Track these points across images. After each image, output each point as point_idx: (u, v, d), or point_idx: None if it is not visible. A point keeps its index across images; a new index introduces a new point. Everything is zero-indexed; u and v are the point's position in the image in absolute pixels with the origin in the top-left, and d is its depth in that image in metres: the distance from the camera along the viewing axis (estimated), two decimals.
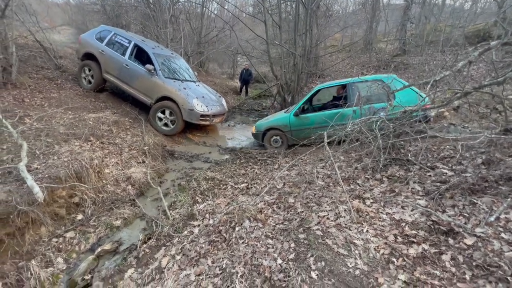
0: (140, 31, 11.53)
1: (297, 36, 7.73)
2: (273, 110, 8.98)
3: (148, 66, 5.53)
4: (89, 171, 3.12)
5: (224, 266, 2.10)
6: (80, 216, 2.85)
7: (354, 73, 10.43)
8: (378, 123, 2.71)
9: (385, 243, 1.79)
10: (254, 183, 3.52)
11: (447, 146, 3.16)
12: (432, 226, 1.89)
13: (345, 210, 2.27)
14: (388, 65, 10.18)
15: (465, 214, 1.94)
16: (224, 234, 2.53)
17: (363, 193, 2.56)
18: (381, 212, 2.18)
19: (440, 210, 2.07)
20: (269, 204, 2.80)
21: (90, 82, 6.14)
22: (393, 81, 3.95)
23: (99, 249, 2.56)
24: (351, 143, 3.01)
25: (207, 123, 5.77)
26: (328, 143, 3.10)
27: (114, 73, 5.87)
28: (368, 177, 2.85)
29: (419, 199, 2.27)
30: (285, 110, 5.71)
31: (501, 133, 2.78)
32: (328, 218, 2.21)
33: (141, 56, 6.09)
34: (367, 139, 2.78)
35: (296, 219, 2.34)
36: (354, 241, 1.86)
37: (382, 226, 1.99)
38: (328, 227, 2.09)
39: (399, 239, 1.81)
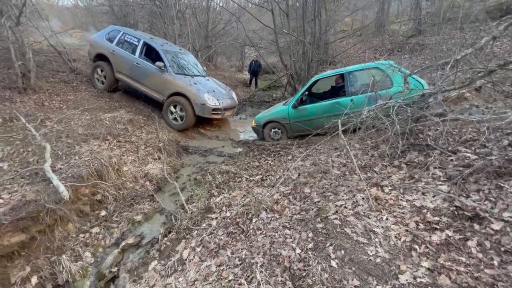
0: (147, 29, 11.63)
1: (305, 23, 7.54)
2: (283, 101, 8.89)
3: (159, 63, 5.58)
4: (109, 169, 3.23)
5: (243, 256, 2.14)
6: (103, 213, 2.98)
7: (367, 58, 10.08)
8: (395, 108, 2.61)
9: (406, 231, 1.75)
10: (268, 175, 3.53)
11: (470, 129, 3.01)
12: (455, 212, 1.83)
13: (363, 198, 2.23)
14: (402, 47, 9.75)
15: (491, 198, 1.86)
16: (242, 226, 2.56)
17: (381, 180, 2.50)
18: (401, 199, 2.13)
19: (464, 195, 2.00)
20: (284, 195, 2.80)
21: (103, 83, 6.29)
22: (391, 68, 3.90)
23: (123, 243, 2.68)
24: (366, 130, 2.93)
25: (219, 116, 5.80)
26: (343, 131, 3.04)
27: (125, 72, 5.98)
28: (386, 164, 2.78)
29: (441, 184, 2.20)
30: (284, 102, 5.62)
31: None
32: (345, 207, 2.19)
33: (151, 54, 6.15)
34: (383, 125, 2.70)
35: (313, 209, 2.34)
36: (373, 229, 1.84)
37: (402, 213, 1.95)
38: (346, 216, 2.07)
39: (421, 226, 1.77)
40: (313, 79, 5.04)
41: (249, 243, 2.27)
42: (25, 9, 5.23)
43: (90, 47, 6.44)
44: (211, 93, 5.69)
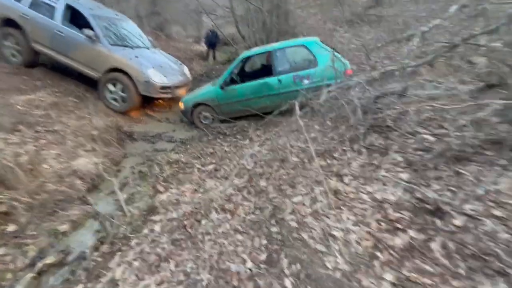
0: None
1: None
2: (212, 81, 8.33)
3: (87, 31, 4.58)
4: (16, 171, 2.54)
5: (188, 270, 1.82)
6: (12, 227, 2.36)
7: (327, 29, 9.78)
8: (358, 91, 2.36)
9: (368, 233, 1.56)
10: (223, 164, 3.16)
11: (426, 107, 2.93)
12: (417, 205, 1.69)
13: (321, 192, 2.00)
14: (361, 19, 9.60)
15: (451, 187, 1.75)
16: (189, 230, 2.21)
17: (341, 168, 2.30)
18: (361, 192, 1.94)
19: (424, 184, 1.87)
20: (239, 189, 2.48)
21: (17, 56, 5.05)
22: (315, 45, 3.83)
23: (40, 265, 2.15)
24: (326, 114, 2.67)
25: (169, 95, 5.12)
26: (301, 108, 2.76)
27: (45, 42, 4.83)
28: (346, 148, 2.58)
29: (401, 171, 2.05)
30: (212, 82, 5.06)
31: (483, 90, 2.58)
32: (303, 204, 1.94)
33: (78, 19, 5.03)
34: (342, 106, 2.45)
35: (268, 208, 2.06)
36: (333, 232, 1.62)
37: (363, 210, 1.76)
38: (303, 215, 1.83)
39: (383, 225, 1.59)
40: (241, 56, 4.57)
41: (196, 252, 1.94)
42: None
43: None
44: (158, 69, 4.93)
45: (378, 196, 1.86)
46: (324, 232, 1.64)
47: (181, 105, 4.82)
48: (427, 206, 1.65)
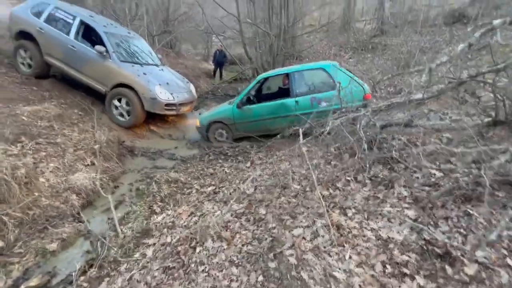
0: (99, 7, 10.15)
1: (272, 14, 7.08)
2: (229, 100, 8.44)
3: (99, 47, 4.70)
4: (11, 185, 2.49)
5: None
6: None
7: (332, 55, 10.03)
8: (363, 120, 2.33)
9: (372, 277, 1.45)
10: (222, 186, 3.09)
11: (432, 139, 2.89)
12: (425, 247, 1.59)
13: (323, 226, 1.91)
14: (366, 46, 9.86)
15: (461, 229, 1.66)
16: (183, 257, 2.10)
17: (344, 200, 2.21)
18: (365, 228, 1.85)
19: (432, 223, 1.77)
20: (237, 216, 2.39)
21: (29, 67, 5.17)
22: (334, 69, 3.96)
23: (23, 287, 2.04)
24: (332, 143, 2.63)
25: (173, 112, 5.16)
26: (304, 134, 2.72)
27: (58, 56, 4.96)
28: (349, 178, 2.51)
29: (407, 208, 1.97)
30: (230, 101, 5.25)
31: (490, 125, 2.54)
32: (304, 238, 1.85)
33: (91, 35, 5.21)
34: (347, 135, 2.40)
35: (266, 239, 1.96)
36: (334, 273, 1.51)
37: (367, 248, 1.66)
38: (304, 251, 1.73)
39: (389, 269, 1.49)
40: (258, 78, 4.72)
41: (188, 284, 1.83)
42: None
43: (10, 21, 5.22)
44: (164, 86, 4.99)
45: (383, 234, 1.77)
46: (325, 272, 1.54)
47: (197, 122, 4.96)
48: (436, 249, 1.55)
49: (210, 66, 11.95)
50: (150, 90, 4.72)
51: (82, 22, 4.95)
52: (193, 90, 5.97)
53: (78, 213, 2.85)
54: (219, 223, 2.27)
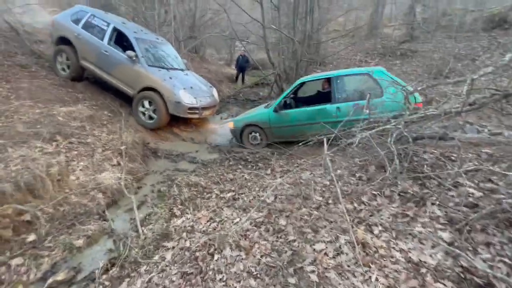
0: (130, 14, 10.72)
1: (296, 19, 7.04)
2: (269, 101, 8.42)
3: (129, 52, 4.94)
4: (46, 182, 2.64)
5: None
6: (31, 237, 2.40)
7: (358, 61, 9.77)
8: (395, 135, 2.19)
9: None
10: (242, 193, 3.06)
11: (470, 154, 2.67)
12: (463, 276, 1.44)
13: (347, 242, 1.81)
14: (394, 52, 9.49)
15: (505, 258, 1.49)
16: (201, 263, 2.09)
17: (370, 216, 2.10)
18: (393, 248, 1.72)
19: (471, 248, 1.62)
20: (256, 225, 2.35)
21: (66, 70, 5.54)
22: (380, 75, 3.73)
23: (50, 280, 2.13)
24: (358, 155, 2.51)
25: (196, 116, 5.26)
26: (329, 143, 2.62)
27: (92, 60, 5.28)
28: (375, 192, 2.38)
29: (442, 229, 1.81)
30: (266, 104, 5.23)
31: None
32: (326, 254, 1.76)
33: (122, 41, 5.48)
34: (377, 149, 2.28)
35: (286, 252, 1.90)
36: None
37: (396, 271, 1.54)
38: (326, 268, 1.64)
39: None
40: (297, 82, 4.64)
41: None
42: None
43: (52, 28, 5.65)
44: (188, 90, 5.12)
45: (414, 256, 1.64)
46: None
47: (231, 124, 5.00)
48: (476, 279, 1.41)
49: (233, 70, 12.14)
50: (175, 94, 4.86)
51: (115, 29, 5.23)
52: (216, 95, 6.07)
53: (103, 212, 2.95)
54: (238, 231, 2.25)
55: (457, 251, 1.57)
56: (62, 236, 2.52)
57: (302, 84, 4.65)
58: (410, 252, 1.68)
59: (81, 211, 2.84)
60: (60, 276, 2.17)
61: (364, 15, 13.80)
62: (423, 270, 1.52)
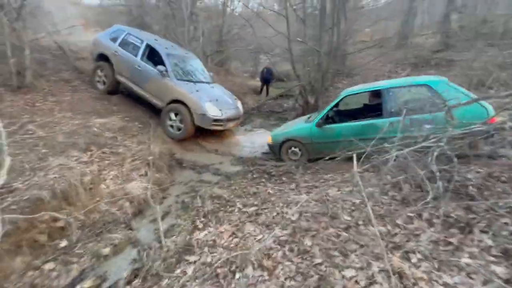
0: (162, 31, 11.44)
1: (322, 31, 7.00)
2: (294, 113, 8.33)
3: (160, 67, 5.20)
4: (79, 190, 2.78)
5: None
6: (64, 243, 2.51)
7: (387, 72, 9.39)
8: (436, 153, 2.00)
9: None
10: (265, 208, 2.98)
11: None
12: None
13: (381, 271, 1.64)
14: (427, 62, 9.00)
15: None
16: (222, 281, 2.02)
17: (406, 241, 1.90)
18: (436, 281, 1.53)
19: None
20: (280, 243, 2.24)
21: (103, 84, 5.97)
22: (443, 86, 3.27)
23: (78, 287, 2.19)
24: (391, 172, 2.33)
25: (221, 128, 5.34)
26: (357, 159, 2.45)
27: (126, 74, 5.64)
28: (412, 215, 2.17)
29: (495, 262, 1.58)
30: (307, 117, 4.98)
31: None
32: (357, 283, 1.61)
33: (154, 56, 5.79)
34: (415, 168, 2.09)
35: (312, 276, 1.77)
36: None
37: None
38: None
39: None
40: (341, 95, 4.33)
41: None
42: (26, 2, 5.00)
43: (93, 46, 6.17)
44: (214, 102, 5.23)
45: None
46: None
47: (270, 139, 4.82)
48: None
49: (257, 82, 12.30)
50: (201, 106, 4.98)
51: (148, 45, 5.57)
52: (240, 107, 6.13)
53: (130, 221, 3.03)
54: (261, 249, 2.16)
55: None
56: (91, 243, 2.61)
57: (348, 96, 4.32)
58: (456, 287, 1.47)
59: (109, 219, 2.94)
60: (87, 284, 2.23)
61: (393, 25, 13.38)
62: None
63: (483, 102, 3.10)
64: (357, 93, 4.33)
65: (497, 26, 7.97)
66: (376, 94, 4.19)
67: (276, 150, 4.71)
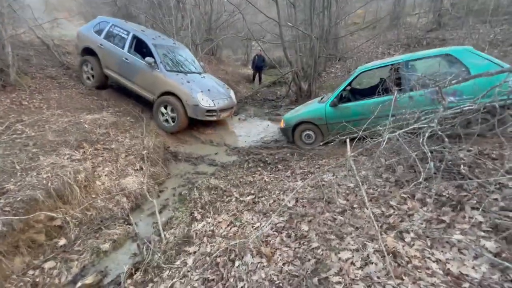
0: (149, 21, 11.06)
1: (313, 15, 6.84)
2: (287, 100, 8.28)
3: (148, 59, 5.06)
4: (73, 188, 2.76)
5: None
6: (62, 241, 2.52)
7: (380, 53, 9.31)
8: (427, 134, 2.00)
9: None
10: (261, 196, 3.00)
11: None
12: None
13: (375, 251, 1.68)
14: (419, 42, 8.93)
15: None
16: (222, 269, 2.06)
17: (400, 221, 1.94)
18: (429, 258, 1.57)
19: None
20: (277, 230, 2.28)
21: (91, 79, 5.81)
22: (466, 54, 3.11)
23: (79, 284, 2.21)
24: (384, 154, 2.35)
25: (214, 118, 5.28)
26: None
27: (114, 68, 5.48)
28: (405, 195, 2.21)
29: (485, 237, 1.63)
30: (320, 98, 4.79)
31: None
32: (353, 264, 1.65)
33: (141, 48, 5.63)
34: (407, 150, 2.10)
35: (310, 260, 1.81)
36: None
37: (433, 285, 1.40)
38: (353, 279, 1.54)
39: None
40: (356, 71, 4.15)
41: None
42: None
43: (77, 39, 5.96)
44: (206, 93, 5.15)
45: (453, 268, 1.48)
46: None
47: (282, 123, 4.70)
48: None
49: (250, 71, 12.12)
50: (193, 97, 4.90)
51: (134, 36, 5.39)
52: (233, 96, 6.06)
53: (128, 216, 3.04)
54: (258, 237, 2.19)
55: (506, 263, 1.39)
56: (90, 240, 2.62)
57: (364, 73, 4.10)
58: (448, 263, 1.52)
59: (106, 215, 2.94)
60: (88, 280, 2.24)
61: (385, 5, 13.13)
62: (466, 285, 1.36)
63: (498, 61, 2.97)
64: (373, 69, 4.08)
65: (489, 2, 7.88)
66: (396, 68, 3.89)
67: (289, 134, 4.56)
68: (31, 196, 2.40)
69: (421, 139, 1.95)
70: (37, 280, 2.20)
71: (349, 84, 4.16)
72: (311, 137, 4.41)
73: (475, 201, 1.91)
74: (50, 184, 2.59)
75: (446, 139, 2.00)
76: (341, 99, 4.15)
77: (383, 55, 8.80)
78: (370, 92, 4.37)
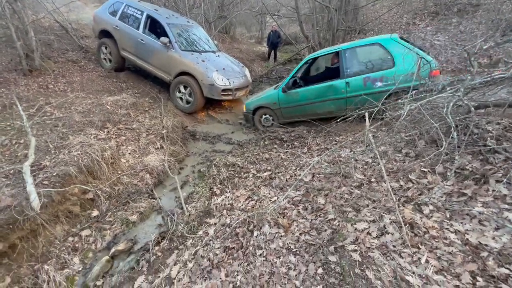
0: (163, 0, 10.89)
1: None
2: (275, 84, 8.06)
3: (163, 38, 5.05)
4: (101, 164, 2.95)
5: (238, 283, 1.78)
6: (95, 213, 2.75)
7: (404, 24, 8.67)
8: (451, 104, 1.90)
9: None
10: (278, 172, 3.06)
11: None
12: None
13: (392, 222, 1.71)
14: (449, 9, 8.18)
15: None
16: (241, 239, 2.19)
17: (419, 194, 1.93)
18: (447, 229, 1.57)
19: None
20: (294, 203, 2.34)
21: (109, 62, 5.94)
22: (391, 43, 3.46)
23: (113, 250, 2.44)
24: (404, 127, 2.29)
25: (230, 97, 5.29)
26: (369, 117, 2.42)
27: (130, 49, 5.55)
28: (425, 169, 2.17)
29: (508, 209, 1.59)
30: (275, 85, 5.12)
31: None
32: (369, 234, 1.69)
33: (156, 28, 5.62)
34: (429, 120, 2.03)
35: (326, 230, 1.86)
36: (407, 277, 1.34)
37: (450, 254, 1.41)
38: (369, 248, 1.58)
39: (480, 281, 1.24)
40: (305, 59, 4.49)
41: (247, 265, 1.89)
42: None
43: (93, 22, 6.03)
44: (221, 72, 5.13)
45: (472, 238, 1.48)
46: (395, 274, 1.38)
47: (244, 107, 5.04)
48: None
49: (265, 48, 11.78)
50: (208, 76, 4.91)
51: (148, 16, 5.37)
52: (248, 75, 5.99)
53: (152, 191, 3.23)
54: (276, 209, 2.27)
55: None
56: (119, 212, 2.84)
57: (312, 60, 4.50)
58: (467, 233, 1.51)
59: (132, 190, 3.14)
60: (120, 246, 2.47)
61: None
62: (484, 254, 1.36)
63: (426, 56, 3.16)
64: (318, 56, 4.42)
65: None
66: (336, 55, 4.30)
67: (250, 119, 4.94)
68: (65, 171, 2.61)
69: (444, 110, 1.87)
70: (77, 245, 2.46)
71: (298, 71, 4.50)
72: (268, 120, 4.78)
73: (500, 175, 1.84)
74: (81, 161, 2.79)
75: (472, 108, 1.90)
76: (294, 85, 4.41)
77: (407, 26, 8.20)
78: (316, 78, 4.83)
